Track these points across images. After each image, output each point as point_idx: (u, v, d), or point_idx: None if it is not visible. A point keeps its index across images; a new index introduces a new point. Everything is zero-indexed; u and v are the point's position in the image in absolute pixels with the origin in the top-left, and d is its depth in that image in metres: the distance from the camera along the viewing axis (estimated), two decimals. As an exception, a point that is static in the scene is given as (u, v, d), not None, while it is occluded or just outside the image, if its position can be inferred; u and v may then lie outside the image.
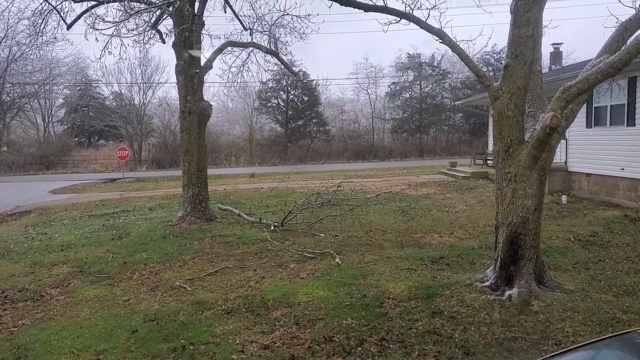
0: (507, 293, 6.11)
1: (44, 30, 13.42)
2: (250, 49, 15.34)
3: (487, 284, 6.47)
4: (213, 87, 56.77)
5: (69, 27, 13.10)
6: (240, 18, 14.84)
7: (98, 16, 12.17)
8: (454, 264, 8.05)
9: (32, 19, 13.18)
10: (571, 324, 5.37)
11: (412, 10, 6.73)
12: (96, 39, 12.42)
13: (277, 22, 14.55)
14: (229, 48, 14.67)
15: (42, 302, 7.32)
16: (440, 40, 6.50)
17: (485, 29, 7.07)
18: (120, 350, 5.42)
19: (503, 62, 6.30)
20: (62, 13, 12.69)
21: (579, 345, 2.56)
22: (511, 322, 5.49)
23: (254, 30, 14.87)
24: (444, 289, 6.59)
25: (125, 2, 10.01)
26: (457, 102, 32.93)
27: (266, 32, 14.93)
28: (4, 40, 40.10)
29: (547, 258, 7.85)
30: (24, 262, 9.82)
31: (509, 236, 6.26)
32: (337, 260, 8.47)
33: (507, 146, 6.28)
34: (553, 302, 5.90)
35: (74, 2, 12.25)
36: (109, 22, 11.46)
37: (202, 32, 13.59)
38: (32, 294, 7.67)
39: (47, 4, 12.42)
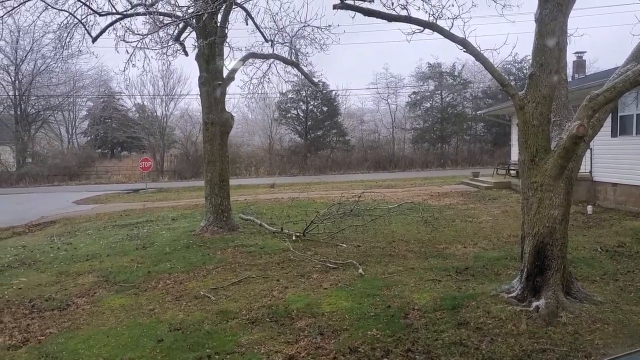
0: (534, 304, 6.02)
1: (69, 43, 13.67)
2: (271, 60, 15.46)
3: (513, 294, 6.39)
4: (234, 99, 57.33)
5: (94, 40, 13.31)
6: (262, 30, 14.97)
7: (128, 29, 12.38)
8: (478, 275, 7.97)
9: (57, 32, 13.43)
10: (601, 336, 5.27)
11: (436, 20, 6.73)
12: (126, 50, 12.68)
13: (297, 33, 14.64)
14: (250, 60, 14.80)
15: (69, 311, 7.40)
16: (464, 50, 6.48)
17: (508, 38, 7.02)
18: (146, 359, 5.46)
19: (525, 71, 6.28)
20: (87, 26, 12.92)
21: (611, 357, 2.51)
22: (539, 334, 5.41)
23: (275, 42, 15.00)
24: (470, 300, 6.52)
25: (155, 15, 10.14)
26: (479, 111, 32.72)
27: (287, 44, 15.03)
28: (30, 53, 41.06)
29: (574, 269, 7.72)
30: (50, 271, 9.95)
31: (536, 246, 6.18)
32: (360, 270, 8.43)
33: (533, 155, 6.22)
34: (582, 314, 5.80)
35: (99, 16, 12.46)
36: (139, 34, 11.63)
37: (224, 44, 13.74)
38: (58, 303, 7.76)
39: (72, 18, 12.64)
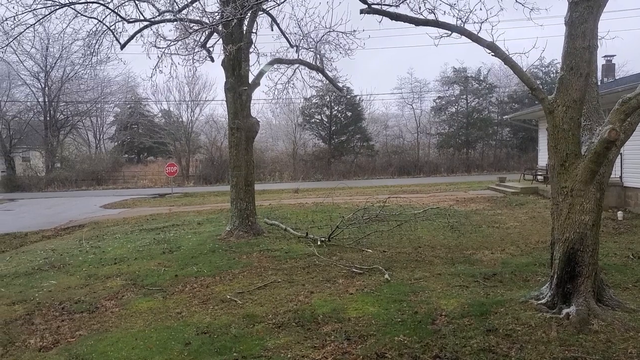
0: (564, 311, 5.92)
1: (98, 50, 13.92)
2: (296, 65, 15.52)
3: (543, 301, 6.29)
4: (258, 104, 57.78)
5: (123, 46, 13.52)
6: (287, 35, 15.04)
7: (159, 35, 12.56)
8: (507, 281, 7.86)
9: (86, 39, 13.68)
10: (635, 344, 5.15)
11: (464, 23, 6.69)
12: (158, 56, 12.84)
13: (322, 38, 14.66)
14: (275, 65, 14.87)
15: (98, 314, 7.51)
16: (493, 53, 6.42)
17: (536, 42, 6.93)
18: (174, 362, 5.50)
19: (552, 75, 6.20)
20: (115, 33, 13.13)
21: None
22: (570, 342, 5.30)
23: (300, 47, 15.05)
24: (498, 306, 6.43)
25: (186, 22, 10.27)
26: (505, 116, 32.38)
27: (312, 49, 15.07)
28: (59, 60, 41.91)
29: (605, 275, 7.57)
30: (79, 274, 10.11)
31: (566, 252, 6.08)
32: (387, 276, 8.39)
33: (563, 160, 6.12)
34: (614, 321, 5.67)
35: (127, 23, 12.65)
36: (169, 40, 11.79)
37: (250, 50, 13.83)
38: (87, 306, 7.88)
39: (101, 25, 12.86)
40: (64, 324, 7.11)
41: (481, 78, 45.25)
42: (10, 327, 7.13)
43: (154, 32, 12.93)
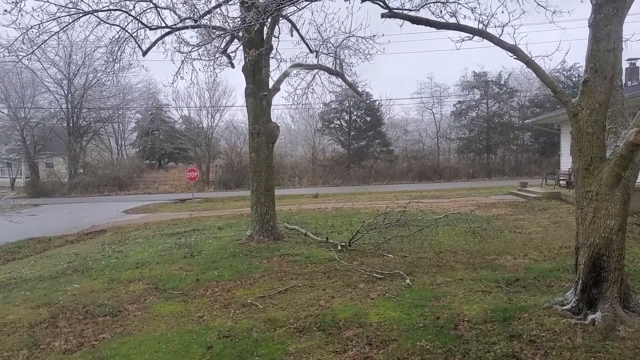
0: (590, 317, 5.83)
1: (120, 57, 14.09)
2: (316, 70, 15.57)
3: (567, 307, 6.20)
4: (277, 110, 58.02)
5: (145, 53, 13.67)
6: (307, 41, 15.10)
7: (182, 39, 12.70)
8: (530, 287, 7.76)
9: (109, 46, 13.86)
10: (663, 352, 5.06)
11: (485, 27, 6.65)
12: (182, 60, 13.02)
13: (342, 43, 14.69)
14: (294, 71, 14.93)
15: (121, 317, 7.59)
16: (515, 57, 6.37)
17: (560, 45, 6.86)
18: (196, 365, 5.53)
19: (575, 79, 6.13)
20: (137, 40, 13.28)
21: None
22: (596, 348, 5.22)
23: (320, 53, 15.10)
24: (522, 312, 6.36)
25: (208, 28, 10.38)
26: (527, 120, 32.04)
27: (331, 54, 15.11)
28: (82, 67, 42.60)
29: (632, 281, 7.42)
30: (102, 278, 10.23)
31: (591, 257, 5.99)
32: (408, 281, 8.35)
33: (588, 164, 6.05)
34: (642, 328, 5.57)
35: (149, 30, 12.79)
36: (192, 44, 11.92)
37: (270, 55, 13.91)
38: (110, 309, 7.96)
39: (123, 32, 13.02)
40: (87, 327, 7.20)
41: (502, 82, 44.84)
42: (35, 329, 7.24)
43: (177, 37, 13.09)
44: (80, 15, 11.55)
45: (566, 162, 22.45)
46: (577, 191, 6.29)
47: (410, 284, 8.22)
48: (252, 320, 6.90)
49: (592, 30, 6.06)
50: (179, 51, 12.42)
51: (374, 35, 14.06)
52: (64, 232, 18.95)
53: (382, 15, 6.51)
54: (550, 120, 25.81)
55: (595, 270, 5.96)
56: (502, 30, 6.67)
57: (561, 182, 22.87)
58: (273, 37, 13.72)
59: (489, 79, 44.58)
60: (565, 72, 41.83)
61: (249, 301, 7.80)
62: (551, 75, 6.57)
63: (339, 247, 11.52)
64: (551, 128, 28.43)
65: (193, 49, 11.24)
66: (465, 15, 7.34)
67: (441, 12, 6.66)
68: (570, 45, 6.82)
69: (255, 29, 9.89)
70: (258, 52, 11.42)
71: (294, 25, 14.58)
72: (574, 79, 40.21)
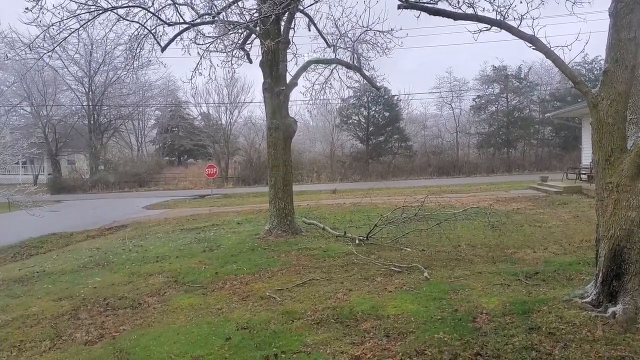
0: (610, 310, 5.75)
1: (139, 54, 14.21)
2: (333, 65, 15.52)
3: (587, 300, 6.13)
4: (295, 106, 58.15)
5: (163, 49, 13.76)
6: (324, 35, 15.06)
7: (199, 32, 12.78)
8: (550, 280, 7.68)
9: (128, 43, 14.00)
10: (685, 345, 4.98)
11: (504, 18, 6.58)
12: (198, 52, 13.10)
13: (360, 37, 14.61)
14: (312, 66, 14.91)
15: (141, 310, 7.69)
16: (534, 47, 6.30)
17: (579, 35, 6.76)
18: (214, 356, 5.58)
19: (596, 72, 6.05)
20: (156, 36, 13.39)
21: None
22: (616, 341, 5.15)
23: (337, 47, 15.04)
24: (541, 305, 6.29)
25: (225, 23, 10.44)
26: (547, 114, 31.66)
27: (349, 49, 15.03)
28: (102, 65, 43.13)
29: (654, 275, 7.32)
30: (122, 272, 10.38)
31: (612, 250, 5.91)
32: (426, 274, 8.31)
33: (608, 155, 5.96)
34: (663, 321, 5.49)
35: (168, 26, 12.88)
36: (209, 36, 12.02)
37: (287, 50, 13.92)
38: (131, 302, 8.08)
39: (143, 29, 13.13)
40: (108, 319, 7.31)
41: (522, 76, 44.35)
42: (57, 321, 7.38)
43: (195, 32, 13.17)
44: (100, 12, 11.66)
45: (587, 156, 22.15)
46: (598, 183, 6.20)
47: (428, 277, 8.19)
48: (270, 313, 6.93)
49: (612, 19, 5.96)
50: (195, 42, 12.50)
51: (392, 29, 13.97)
52: (86, 228, 19.24)
53: (399, 7, 6.47)
54: (571, 113, 25.50)
55: (615, 262, 5.88)
56: (521, 21, 6.58)
57: (582, 175, 22.59)
58: (291, 27, 13.70)
59: (509, 73, 44.12)
60: (586, 65, 41.22)
61: (267, 294, 7.84)
62: (572, 68, 6.49)
63: (357, 241, 11.52)
64: (572, 122, 28.08)
65: (211, 42, 11.28)
66: (484, 8, 7.27)
67: (459, 2, 6.59)
68: (590, 36, 6.73)
69: (271, 20, 9.88)
70: (274, 42, 11.43)
71: (311, 20, 14.56)
72: (595, 72, 39.56)
